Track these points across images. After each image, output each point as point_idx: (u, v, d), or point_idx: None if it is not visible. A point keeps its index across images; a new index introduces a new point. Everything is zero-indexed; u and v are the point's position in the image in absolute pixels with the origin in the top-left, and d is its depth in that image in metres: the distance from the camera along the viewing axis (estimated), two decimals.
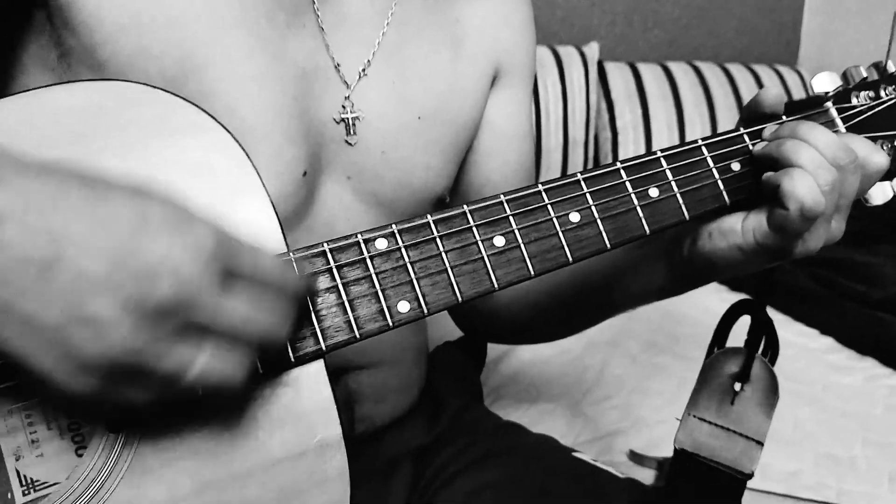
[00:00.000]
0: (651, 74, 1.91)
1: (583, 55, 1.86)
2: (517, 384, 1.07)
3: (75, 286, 0.27)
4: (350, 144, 0.53)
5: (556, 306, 0.62)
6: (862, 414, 1.03)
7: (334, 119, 0.52)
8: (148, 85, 0.40)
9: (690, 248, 0.49)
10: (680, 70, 1.94)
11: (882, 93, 0.54)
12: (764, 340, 0.55)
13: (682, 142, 0.48)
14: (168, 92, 0.40)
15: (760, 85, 1.97)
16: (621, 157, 1.86)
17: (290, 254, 0.39)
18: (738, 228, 0.46)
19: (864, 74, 0.54)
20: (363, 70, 0.53)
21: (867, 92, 0.53)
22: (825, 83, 0.54)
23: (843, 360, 1.18)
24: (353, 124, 0.53)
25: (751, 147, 0.48)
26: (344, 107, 0.52)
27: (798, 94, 2.01)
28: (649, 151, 0.47)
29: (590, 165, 1.89)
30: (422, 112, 0.55)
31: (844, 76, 0.55)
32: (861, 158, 0.45)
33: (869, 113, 0.52)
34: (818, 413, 1.02)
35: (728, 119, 1.89)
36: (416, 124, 0.55)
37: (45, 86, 0.38)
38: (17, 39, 0.46)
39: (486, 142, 0.63)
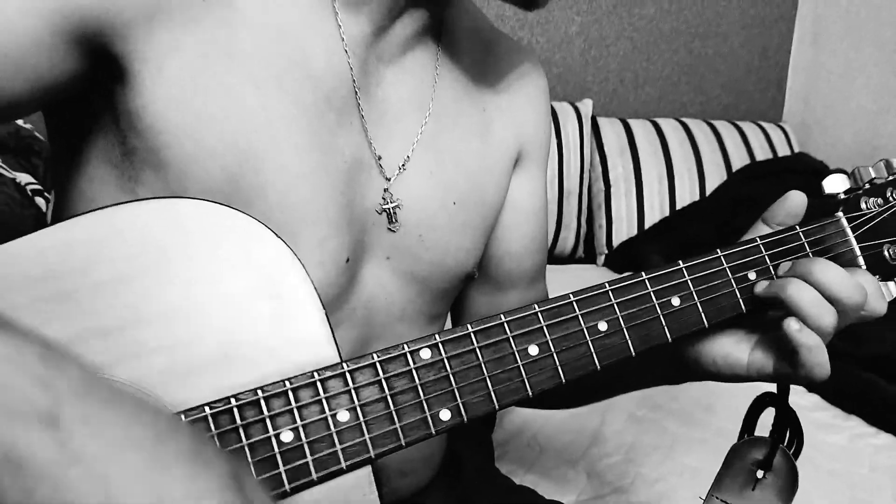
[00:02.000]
0: (642, 130, 1.98)
1: (577, 111, 1.92)
2: (521, 438, 1.09)
3: None
4: (391, 231, 0.56)
5: (566, 391, 0.66)
6: (849, 473, 1.05)
7: (376, 209, 0.55)
8: (204, 200, 0.42)
9: (695, 366, 0.53)
10: (669, 126, 2.00)
11: (890, 195, 0.57)
12: (789, 432, 0.58)
13: (702, 252, 0.51)
14: (222, 204, 0.42)
15: (746, 141, 2.04)
16: (614, 209, 1.91)
17: (344, 365, 0.41)
18: (744, 362, 0.51)
19: (872, 174, 0.57)
20: (403, 164, 0.56)
21: (875, 198, 0.56)
22: (836, 185, 0.57)
23: (829, 419, 1.21)
24: (394, 212, 0.56)
25: (767, 260, 0.51)
26: (384, 197, 0.55)
27: (782, 150, 2.08)
28: (672, 262, 0.50)
29: (584, 216, 1.93)
30: (456, 197, 0.59)
31: (853, 176, 0.57)
32: (868, 299, 0.49)
33: (878, 220, 0.56)
34: (808, 471, 1.04)
35: (715, 175, 1.95)
36: (451, 208, 0.58)
37: (112, 205, 0.40)
38: (83, 134, 0.48)
39: (508, 218, 0.66)
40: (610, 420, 1.15)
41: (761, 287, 0.51)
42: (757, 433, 0.59)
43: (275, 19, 0.47)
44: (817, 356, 0.47)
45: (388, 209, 0.55)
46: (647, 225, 1.90)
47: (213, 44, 0.45)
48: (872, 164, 0.59)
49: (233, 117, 0.46)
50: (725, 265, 0.51)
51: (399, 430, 0.42)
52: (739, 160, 1.99)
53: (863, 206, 0.56)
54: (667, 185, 1.93)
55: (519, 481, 0.92)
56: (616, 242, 1.91)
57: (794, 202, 0.53)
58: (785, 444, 0.57)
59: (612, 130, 1.96)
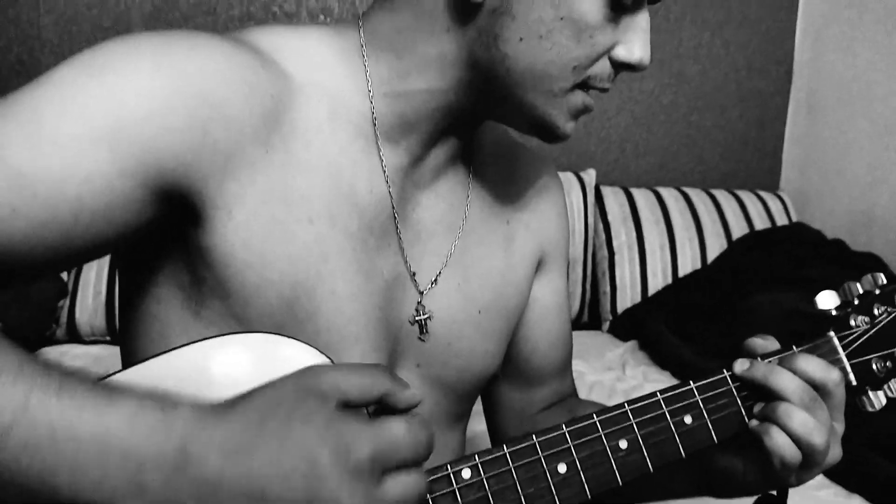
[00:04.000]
0: (644, 199, 2.04)
1: (581, 180, 2.00)
2: None
3: None
4: (421, 340, 0.61)
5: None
6: None
7: (409, 320, 0.60)
8: (269, 333, 0.47)
9: (704, 476, 0.58)
10: (670, 196, 2.07)
11: (875, 311, 0.61)
12: None
13: (710, 372, 0.56)
14: (281, 335, 0.47)
15: (745, 210, 2.11)
16: (618, 276, 1.97)
17: None
18: (741, 468, 0.56)
19: (860, 289, 0.62)
20: (434, 279, 0.61)
21: (863, 316, 0.61)
22: (827, 301, 0.62)
23: (831, 497, 1.24)
24: (426, 323, 0.60)
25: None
26: (417, 310, 0.60)
27: (781, 219, 2.15)
28: (683, 381, 0.55)
29: (588, 282, 1.98)
30: (482, 306, 0.63)
31: (843, 291, 0.62)
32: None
33: (865, 337, 0.61)
34: None
35: (716, 244, 2.01)
36: (477, 317, 0.63)
37: (183, 345, 0.45)
38: (153, 261, 0.53)
39: (532, 317, 0.71)
40: None
41: (742, 367, 0.56)
42: None
43: (325, 159, 0.53)
44: (777, 439, 0.52)
45: (421, 320, 0.60)
46: (650, 292, 1.95)
47: (272, 189, 0.50)
48: (860, 279, 0.65)
49: (290, 252, 0.51)
50: (731, 384, 0.56)
51: None
52: (739, 229, 2.06)
53: (852, 322, 0.61)
54: (669, 254, 1.99)
55: None
56: (620, 309, 1.96)
57: (759, 346, 0.58)
58: None
59: (615, 200, 2.03)
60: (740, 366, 0.56)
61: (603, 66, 0.54)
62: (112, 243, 0.47)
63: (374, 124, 0.55)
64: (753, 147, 2.34)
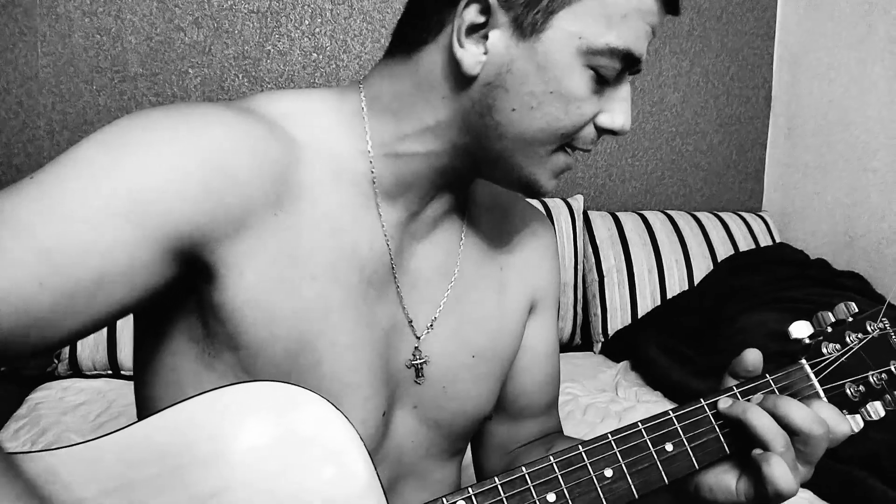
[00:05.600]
0: (631, 222, 2.10)
1: (569, 206, 2.05)
2: None
3: None
4: (417, 383, 0.64)
5: None
6: None
7: (406, 364, 0.63)
8: (274, 381, 0.50)
9: (695, 494, 0.60)
10: (657, 219, 2.12)
11: (847, 339, 0.64)
12: None
13: (687, 402, 0.60)
14: (289, 384, 0.50)
15: (728, 231, 2.16)
16: (608, 298, 2.01)
17: None
18: (733, 489, 0.58)
19: (832, 318, 0.65)
20: (430, 324, 0.64)
21: (834, 344, 0.64)
22: (801, 331, 0.65)
23: None
24: (422, 368, 0.63)
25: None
26: (414, 354, 0.63)
27: (764, 239, 2.20)
28: (663, 412, 0.59)
29: (580, 305, 2.03)
30: (475, 351, 0.66)
31: (815, 319, 0.66)
32: (831, 428, 0.57)
33: (836, 364, 0.64)
34: None
35: (702, 265, 2.06)
36: (471, 362, 0.66)
37: (199, 394, 0.48)
38: (167, 315, 0.56)
39: (523, 361, 0.74)
40: None
41: (725, 405, 0.58)
42: None
43: (328, 217, 0.56)
44: (776, 468, 0.55)
45: (417, 364, 0.63)
46: (640, 313, 2.00)
47: (280, 249, 0.53)
48: (832, 308, 0.68)
49: (296, 307, 0.54)
50: (708, 412, 0.59)
51: None
52: (723, 249, 2.11)
53: (824, 350, 0.64)
54: (657, 275, 2.03)
55: None
56: (612, 330, 2.00)
57: (751, 360, 0.61)
58: None
59: (602, 223, 2.08)
60: (723, 404, 0.59)
61: (588, 132, 0.57)
62: (133, 306, 0.50)
63: (374, 183, 0.59)
64: (735, 170, 2.40)
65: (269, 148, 0.53)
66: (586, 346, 2.07)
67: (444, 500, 0.51)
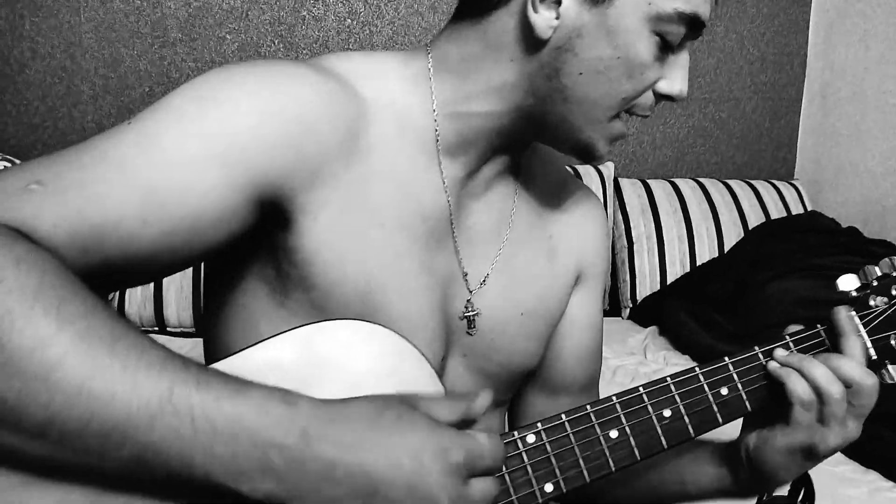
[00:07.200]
0: (661, 190, 2.10)
1: (600, 173, 2.06)
2: None
3: None
4: (469, 334, 0.67)
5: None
6: None
7: (459, 315, 0.66)
8: (351, 319, 0.54)
9: (746, 456, 0.64)
10: (687, 187, 2.13)
11: (893, 292, 0.66)
12: (803, 492, 0.69)
13: (740, 352, 0.63)
14: (365, 321, 0.54)
15: (760, 199, 2.16)
16: (637, 265, 2.03)
17: None
18: (776, 441, 0.61)
19: (878, 272, 0.67)
20: (483, 280, 0.67)
21: (882, 297, 0.66)
22: (848, 283, 0.67)
23: (848, 473, 1.30)
24: (473, 319, 0.67)
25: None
26: (466, 306, 0.66)
27: (795, 207, 2.20)
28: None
29: (609, 272, 2.05)
30: (524, 309, 0.70)
31: (862, 273, 0.68)
32: (856, 379, 0.60)
33: (884, 316, 0.67)
34: None
35: (732, 232, 2.07)
36: (519, 319, 0.69)
37: (275, 335, 0.51)
38: (241, 256, 0.59)
39: (564, 328, 0.76)
40: None
41: (781, 354, 0.62)
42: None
43: (395, 171, 0.59)
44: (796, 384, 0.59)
45: (469, 316, 0.67)
46: (669, 280, 2.02)
47: (351, 197, 0.57)
48: (878, 263, 0.70)
49: (365, 252, 0.58)
50: (762, 360, 0.62)
51: (514, 501, 0.53)
52: (755, 217, 2.11)
53: (871, 303, 0.66)
54: (686, 243, 2.05)
55: None
56: (640, 297, 2.02)
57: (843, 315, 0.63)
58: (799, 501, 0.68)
59: (633, 191, 2.09)
60: (780, 353, 0.62)
61: (647, 98, 0.59)
62: (219, 248, 0.54)
63: (437, 140, 0.61)
64: (768, 137, 2.39)
65: (343, 104, 0.56)
66: (614, 311, 2.09)
67: (515, 433, 0.55)
